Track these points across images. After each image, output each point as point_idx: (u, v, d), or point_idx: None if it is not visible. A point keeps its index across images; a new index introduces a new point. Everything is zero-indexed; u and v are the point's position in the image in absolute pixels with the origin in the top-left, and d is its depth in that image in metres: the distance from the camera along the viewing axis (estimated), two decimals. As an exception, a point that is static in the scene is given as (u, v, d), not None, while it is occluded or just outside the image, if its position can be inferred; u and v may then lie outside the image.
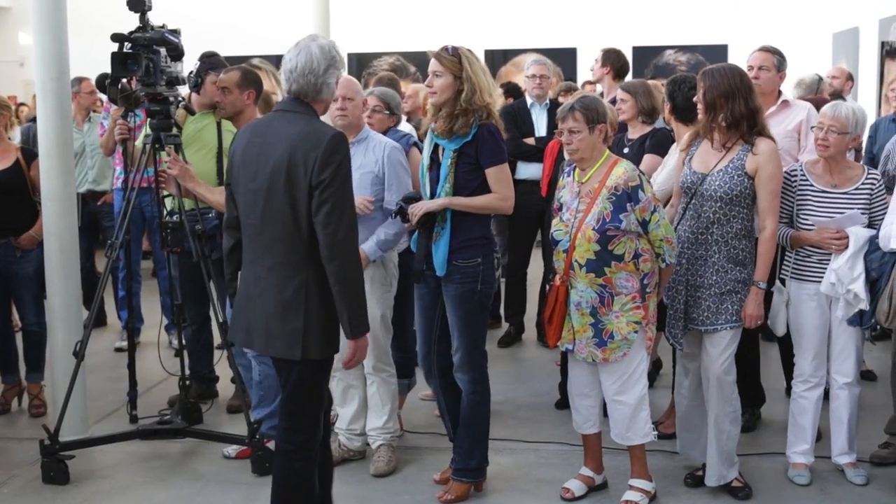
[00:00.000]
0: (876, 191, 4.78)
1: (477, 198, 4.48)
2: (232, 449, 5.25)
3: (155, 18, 5.17)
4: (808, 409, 4.90)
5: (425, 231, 4.54)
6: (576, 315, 4.53)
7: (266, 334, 3.67)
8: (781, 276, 4.92)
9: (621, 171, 4.47)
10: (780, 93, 5.70)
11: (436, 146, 4.58)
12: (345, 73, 4.03)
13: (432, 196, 4.56)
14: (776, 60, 5.59)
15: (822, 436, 5.07)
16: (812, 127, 4.95)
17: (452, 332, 4.56)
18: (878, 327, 4.95)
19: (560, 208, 4.62)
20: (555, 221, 4.62)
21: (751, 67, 5.53)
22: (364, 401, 5.15)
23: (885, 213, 4.71)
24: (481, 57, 4.65)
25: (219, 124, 5.63)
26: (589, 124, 4.48)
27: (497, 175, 4.49)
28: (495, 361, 6.93)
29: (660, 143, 5.70)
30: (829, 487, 4.82)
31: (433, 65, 4.48)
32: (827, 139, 4.69)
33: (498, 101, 4.68)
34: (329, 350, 3.68)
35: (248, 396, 5.37)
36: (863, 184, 4.78)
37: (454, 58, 4.45)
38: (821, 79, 7.72)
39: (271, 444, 5.11)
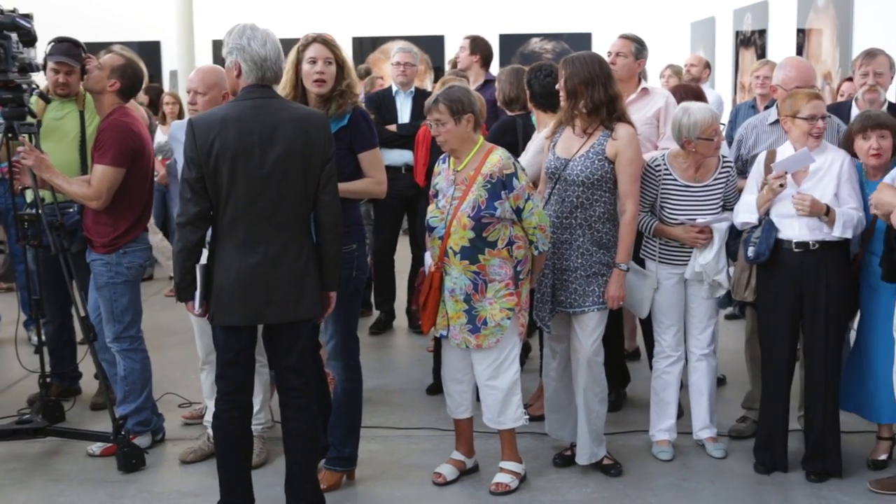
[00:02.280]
0: (730, 181, 4.98)
1: (353, 182, 4.48)
2: (96, 447, 5.10)
3: (6, 2, 4.96)
4: (670, 384, 5.07)
5: None
6: (450, 301, 4.56)
7: (287, 302, 3.99)
8: (643, 255, 5.05)
9: (496, 158, 4.52)
10: (640, 80, 5.81)
11: None
12: None
13: None
14: (634, 48, 5.68)
15: (682, 412, 5.23)
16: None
17: (327, 319, 4.54)
18: (735, 307, 5.14)
19: (436, 195, 4.64)
20: (430, 208, 4.64)
21: (609, 53, 5.64)
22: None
23: (738, 199, 4.90)
24: (350, 44, 4.70)
25: (81, 113, 5.44)
26: (454, 115, 4.49)
27: (371, 159, 4.51)
28: (366, 349, 6.88)
29: (493, 132, 5.77)
30: (691, 462, 4.99)
31: (323, 52, 4.45)
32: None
33: (357, 87, 4.67)
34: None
35: (113, 392, 5.23)
36: (720, 173, 4.96)
37: (334, 44, 4.51)
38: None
39: (138, 441, 5.04)
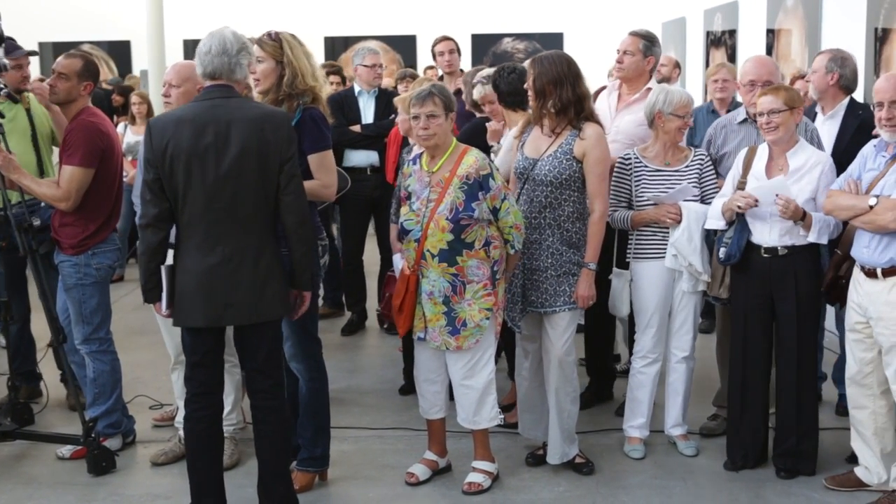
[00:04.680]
0: (705, 167, 5.01)
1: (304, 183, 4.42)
2: (66, 449, 5.06)
3: (-28, 2, 4.92)
4: (645, 384, 5.09)
5: None
6: (428, 304, 4.55)
7: (248, 304, 3.96)
8: (627, 259, 5.07)
9: (472, 159, 4.52)
10: (650, 77, 5.59)
11: None
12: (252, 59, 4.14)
13: None
14: (643, 45, 5.48)
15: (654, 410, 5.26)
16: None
17: (283, 321, 4.52)
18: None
19: (408, 197, 4.62)
20: (404, 210, 4.61)
21: (617, 51, 5.54)
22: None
23: (715, 191, 4.93)
24: (321, 44, 4.66)
25: (28, 111, 5.39)
26: (445, 110, 4.53)
27: (319, 161, 4.45)
28: (338, 350, 6.95)
29: (463, 134, 5.78)
30: (662, 460, 5.02)
31: (255, 51, 4.42)
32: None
33: (326, 86, 4.62)
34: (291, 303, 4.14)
35: (83, 395, 5.19)
36: (692, 161, 5.00)
37: (275, 43, 4.42)
38: None
39: (108, 443, 5.00)
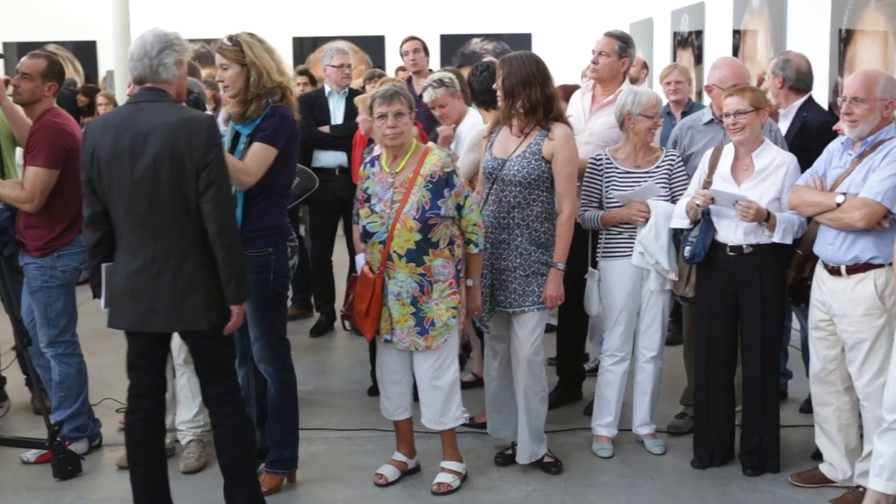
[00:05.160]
0: (676, 168, 5.04)
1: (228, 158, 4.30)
2: (31, 454, 5.01)
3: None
4: (613, 383, 5.11)
5: None
6: (396, 305, 4.54)
7: (169, 312, 3.88)
8: (597, 258, 5.08)
9: (435, 158, 4.52)
10: (624, 79, 5.58)
11: (236, 133, 4.49)
12: (183, 58, 4.00)
13: None
14: (618, 46, 5.47)
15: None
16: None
17: (250, 323, 4.50)
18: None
19: (368, 199, 4.61)
20: (364, 213, 4.59)
21: (593, 52, 5.53)
22: (173, 394, 5.01)
23: (685, 189, 4.96)
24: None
25: None
26: (410, 110, 4.53)
27: (258, 151, 4.35)
28: (307, 351, 6.93)
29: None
30: (631, 458, 5.04)
31: (218, 59, 4.40)
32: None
33: (293, 81, 4.59)
34: (227, 314, 3.96)
35: (48, 399, 5.14)
36: (662, 162, 5.03)
37: (235, 47, 4.38)
38: None
39: (74, 447, 4.96)
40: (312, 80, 8.58)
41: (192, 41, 4.82)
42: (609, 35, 5.54)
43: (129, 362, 4.07)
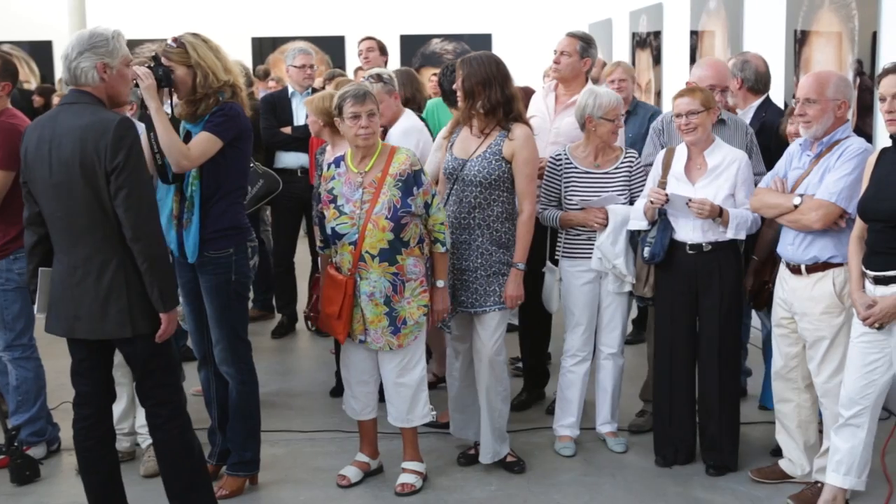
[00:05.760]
0: (635, 169, 5.07)
1: (171, 132, 4.28)
2: (-12, 459, 4.95)
3: None
4: (575, 383, 5.13)
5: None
6: (369, 306, 4.52)
7: (93, 319, 3.78)
8: (557, 257, 5.10)
9: (403, 157, 4.52)
10: (587, 80, 5.62)
11: (187, 132, 4.45)
12: (109, 60, 3.87)
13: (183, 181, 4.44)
14: (579, 46, 5.50)
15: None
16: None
17: (211, 325, 4.48)
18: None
19: (334, 200, 4.58)
20: (332, 214, 4.55)
21: (554, 52, 5.56)
22: (132, 398, 4.97)
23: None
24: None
25: None
26: (379, 111, 4.55)
27: (203, 138, 4.30)
28: (268, 353, 6.90)
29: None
30: (593, 457, 5.07)
31: (165, 62, 4.36)
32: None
33: (239, 79, 4.54)
34: (158, 322, 3.82)
35: (5, 403, 5.07)
36: (622, 163, 5.05)
37: (179, 48, 4.35)
38: None
39: (32, 451, 4.91)
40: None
41: (149, 41, 4.78)
42: (571, 35, 5.57)
43: (71, 369, 4.02)
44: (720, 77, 5.12)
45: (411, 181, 4.47)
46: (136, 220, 3.68)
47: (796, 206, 4.35)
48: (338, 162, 4.64)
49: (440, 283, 4.62)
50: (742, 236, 4.68)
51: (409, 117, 5.71)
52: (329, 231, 4.57)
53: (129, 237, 3.69)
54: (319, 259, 4.90)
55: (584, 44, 5.53)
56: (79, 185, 3.68)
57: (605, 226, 4.90)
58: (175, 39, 4.37)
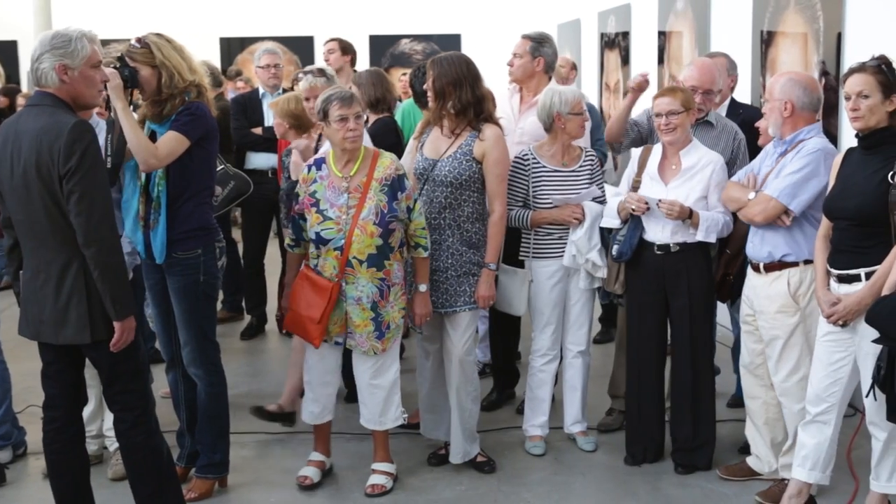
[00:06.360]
0: (595, 167, 5.12)
1: (136, 128, 4.25)
2: (-46, 463, 4.89)
3: None
4: (545, 382, 5.15)
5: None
6: (356, 310, 4.50)
7: (55, 324, 3.75)
8: (521, 257, 5.10)
9: (388, 161, 4.52)
10: (549, 79, 5.64)
11: (152, 132, 4.42)
12: (69, 62, 3.81)
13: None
14: (530, 47, 5.55)
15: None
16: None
17: (179, 326, 4.45)
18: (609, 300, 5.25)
19: (315, 203, 4.54)
20: (315, 218, 4.51)
21: (511, 54, 5.61)
22: (100, 400, 4.91)
23: (602, 190, 5.06)
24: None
25: None
26: (364, 113, 4.55)
27: (170, 137, 4.27)
28: (238, 354, 6.88)
29: (375, 134, 5.77)
30: (563, 456, 5.08)
31: (129, 62, 4.33)
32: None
33: (205, 79, 4.52)
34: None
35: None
36: (585, 160, 5.09)
37: (144, 49, 4.32)
38: None
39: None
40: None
41: (116, 42, 4.73)
42: (523, 36, 5.64)
43: (41, 372, 4.00)
44: (702, 81, 5.06)
45: (396, 185, 4.47)
46: (88, 226, 3.61)
47: (749, 201, 4.42)
48: (319, 164, 4.60)
49: (423, 288, 4.61)
50: (712, 239, 4.70)
51: None
52: (313, 236, 4.53)
53: (80, 243, 3.63)
54: (288, 258, 4.85)
55: (535, 44, 5.58)
56: (36, 188, 3.64)
57: (582, 222, 4.92)
58: (139, 40, 4.35)
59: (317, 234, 4.50)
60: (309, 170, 4.62)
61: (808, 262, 4.36)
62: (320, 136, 5.30)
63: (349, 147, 4.48)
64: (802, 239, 4.35)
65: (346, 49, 7.69)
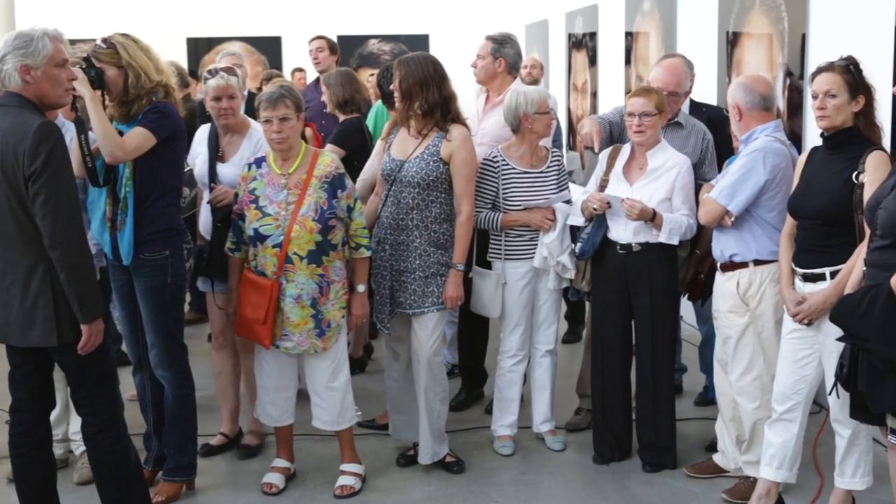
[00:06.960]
0: (562, 167, 5.16)
1: (104, 120, 4.20)
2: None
3: None
4: (515, 382, 5.17)
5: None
6: (295, 308, 4.49)
7: (21, 326, 3.72)
8: (490, 258, 5.10)
9: (328, 159, 4.52)
10: (514, 79, 5.65)
11: (119, 133, 4.38)
12: (31, 62, 3.75)
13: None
14: (491, 48, 5.57)
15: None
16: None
17: (147, 328, 4.43)
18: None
19: (255, 200, 4.52)
20: (254, 215, 4.50)
21: (475, 56, 5.64)
22: (66, 403, 4.86)
23: (567, 189, 5.09)
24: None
25: None
26: (297, 111, 4.49)
27: (137, 132, 4.23)
28: (205, 356, 6.79)
29: (340, 134, 5.77)
30: (531, 456, 5.10)
31: (95, 63, 4.29)
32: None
33: (172, 79, 4.49)
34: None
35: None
36: (552, 161, 5.11)
37: (110, 49, 4.30)
38: None
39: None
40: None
41: (82, 41, 4.69)
42: (486, 38, 5.67)
43: (8, 375, 3.96)
44: (666, 82, 5.02)
45: (336, 183, 4.48)
46: (54, 228, 3.57)
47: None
48: (259, 163, 4.60)
49: (361, 289, 4.62)
50: (674, 241, 4.71)
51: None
52: (251, 232, 4.51)
53: (46, 245, 3.59)
54: (230, 262, 4.73)
55: (496, 45, 5.60)
56: (3, 189, 3.60)
57: (554, 225, 4.94)
58: (105, 40, 4.32)
59: (255, 230, 4.49)
60: (249, 168, 4.61)
61: (758, 262, 4.40)
62: None
63: (276, 147, 4.50)
64: (751, 239, 4.40)
65: (334, 49, 7.70)
